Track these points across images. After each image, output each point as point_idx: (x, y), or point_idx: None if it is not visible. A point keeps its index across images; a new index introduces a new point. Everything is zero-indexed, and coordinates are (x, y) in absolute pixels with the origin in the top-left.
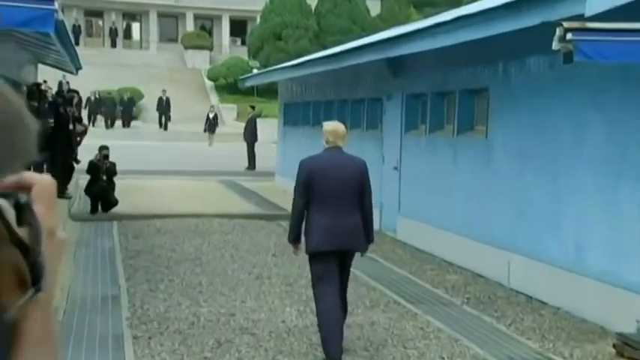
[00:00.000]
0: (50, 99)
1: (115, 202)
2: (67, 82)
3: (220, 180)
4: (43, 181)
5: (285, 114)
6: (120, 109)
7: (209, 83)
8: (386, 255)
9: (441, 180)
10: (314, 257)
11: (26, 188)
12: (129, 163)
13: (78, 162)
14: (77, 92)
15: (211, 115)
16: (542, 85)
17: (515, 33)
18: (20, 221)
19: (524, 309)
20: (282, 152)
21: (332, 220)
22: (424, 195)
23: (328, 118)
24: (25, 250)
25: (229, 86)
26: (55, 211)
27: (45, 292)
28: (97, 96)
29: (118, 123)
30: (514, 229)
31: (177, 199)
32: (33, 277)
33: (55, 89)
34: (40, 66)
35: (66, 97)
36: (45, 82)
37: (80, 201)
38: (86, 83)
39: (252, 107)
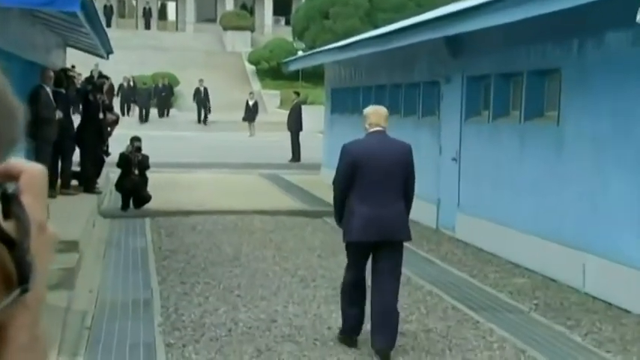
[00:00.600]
0: (79, 85)
1: (147, 198)
2: (97, 67)
3: (262, 173)
4: (32, 170)
5: (332, 101)
6: (153, 100)
7: (250, 67)
8: (444, 256)
9: (506, 172)
10: (354, 247)
11: (14, 177)
12: (163, 156)
13: (108, 154)
14: (108, 78)
15: (251, 103)
16: (623, 64)
17: (593, 5)
18: (6, 214)
19: (602, 317)
20: (328, 143)
21: (375, 208)
22: (487, 189)
23: (380, 105)
24: (12, 246)
25: (272, 71)
26: (45, 202)
27: (33, 293)
28: (131, 83)
29: (154, 113)
30: (589, 227)
31: (214, 195)
32: (20, 275)
33: (85, 75)
34: (70, 50)
35: (96, 83)
36: (73, 67)
37: (111, 196)
38: (118, 68)
39: (297, 93)
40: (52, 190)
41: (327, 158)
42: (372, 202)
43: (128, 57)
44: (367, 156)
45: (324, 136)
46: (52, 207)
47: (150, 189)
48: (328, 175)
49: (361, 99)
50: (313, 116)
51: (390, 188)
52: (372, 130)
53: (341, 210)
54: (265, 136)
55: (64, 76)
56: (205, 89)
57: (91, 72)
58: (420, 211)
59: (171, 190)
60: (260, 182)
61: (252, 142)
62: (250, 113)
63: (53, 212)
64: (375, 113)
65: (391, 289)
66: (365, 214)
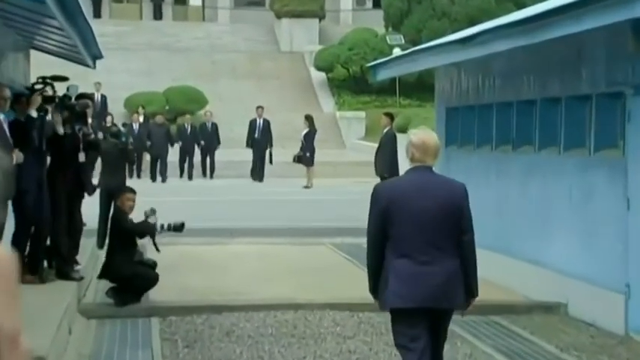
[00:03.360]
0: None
1: (151, 281)
2: (75, 87)
3: (333, 243)
4: None
5: (448, 127)
6: (178, 143)
7: (318, 76)
8: None
9: None
10: (396, 317)
11: None
12: (181, 217)
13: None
14: (90, 97)
15: (303, 133)
16: None
17: None
18: None
19: None
20: None
21: (418, 266)
22: None
23: (525, 132)
24: None
25: (353, 81)
26: (17, 299)
27: None
28: (140, 117)
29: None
30: None
31: (260, 278)
32: None
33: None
34: (38, 56)
35: (74, 107)
36: (43, 82)
37: (97, 284)
38: (112, 81)
39: (390, 116)
40: None
41: None
42: (414, 256)
43: (127, 63)
44: (405, 198)
45: None
46: None
47: (159, 270)
48: None
49: (494, 123)
50: None
51: (437, 239)
52: (413, 165)
53: (376, 271)
54: (340, 184)
55: (30, 96)
56: (266, 123)
57: (66, 90)
58: (594, 305)
59: (192, 271)
60: (331, 257)
61: (312, 194)
62: (306, 150)
63: None
64: (422, 146)
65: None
66: (405, 273)
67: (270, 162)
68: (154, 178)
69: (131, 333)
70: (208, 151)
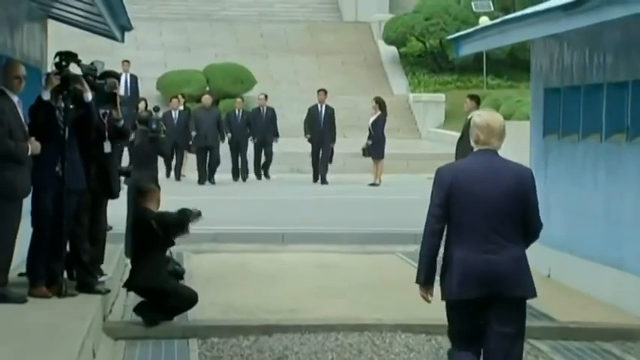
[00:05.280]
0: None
1: (187, 301)
2: (101, 63)
3: (405, 252)
4: None
5: (546, 112)
6: (227, 135)
7: (388, 50)
8: None
9: None
10: (454, 307)
11: None
12: (223, 221)
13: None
14: (117, 76)
15: (371, 120)
16: None
17: None
18: None
19: None
20: (540, 193)
21: (481, 254)
22: None
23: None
24: None
25: (431, 56)
26: None
27: None
28: (180, 106)
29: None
30: None
31: (316, 293)
32: None
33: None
34: (57, 27)
35: (102, 87)
36: (64, 57)
37: (126, 299)
38: (143, 58)
39: (476, 99)
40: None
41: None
42: (477, 244)
43: (160, 36)
44: (469, 182)
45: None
46: (17, 322)
47: (199, 282)
48: (542, 256)
49: (604, 107)
50: (511, 141)
51: (501, 227)
52: (477, 149)
53: (430, 261)
54: (414, 181)
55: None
56: (330, 111)
57: (91, 65)
58: None
59: (237, 284)
60: (403, 269)
61: (384, 193)
62: (375, 140)
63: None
64: (486, 128)
65: None
66: (467, 261)
67: (330, 160)
68: (202, 180)
69: (166, 357)
70: (264, 144)
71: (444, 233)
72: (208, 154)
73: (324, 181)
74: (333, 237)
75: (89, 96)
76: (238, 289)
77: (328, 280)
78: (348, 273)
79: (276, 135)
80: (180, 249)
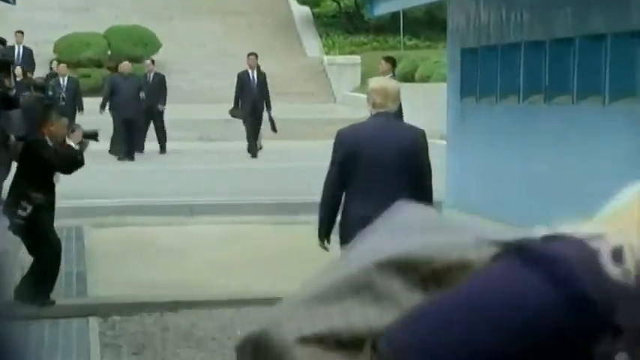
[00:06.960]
0: None
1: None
2: None
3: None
4: None
5: (463, 74)
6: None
7: (300, 11)
8: None
9: None
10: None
11: None
12: (126, 193)
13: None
14: (3, 41)
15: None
16: None
17: None
18: None
19: None
20: (457, 156)
21: (376, 210)
22: None
23: (559, 79)
24: None
25: (345, 17)
26: None
27: None
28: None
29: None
30: None
31: (226, 266)
32: None
33: None
34: None
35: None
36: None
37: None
38: (37, 20)
39: (392, 61)
40: None
41: (455, 188)
42: (373, 201)
43: None
44: (365, 144)
45: (447, 145)
46: None
47: (99, 257)
48: (456, 220)
49: (522, 68)
50: (426, 105)
51: (395, 184)
52: (375, 112)
53: (329, 216)
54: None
55: None
56: (262, 77)
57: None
58: None
59: (141, 258)
60: (315, 239)
61: (294, 160)
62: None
63: None
64: (382, 91)
65: None
66: (363, 217)
67: (274, 129)
68: (130, 153)
69: (63, 337)
70: (152, 115)
71: (343, 192)
72: (130, 127)
73: (255, 155)
74: (244, 207)
75: None
76: (143, 264)
77: (238, 253)
78: (259, 245)
79: (163, 103)
80: (80, 222)
